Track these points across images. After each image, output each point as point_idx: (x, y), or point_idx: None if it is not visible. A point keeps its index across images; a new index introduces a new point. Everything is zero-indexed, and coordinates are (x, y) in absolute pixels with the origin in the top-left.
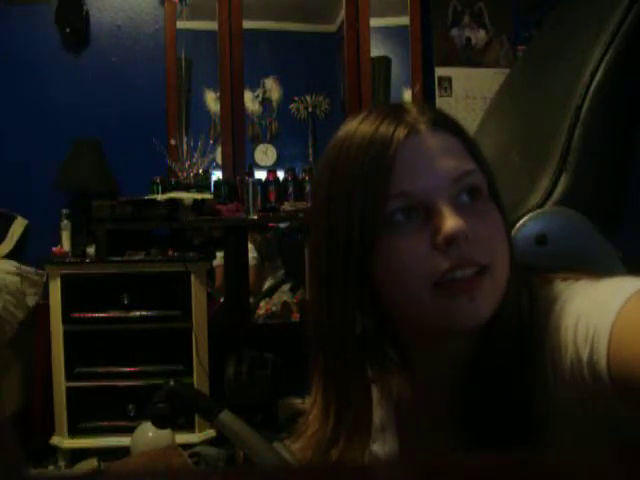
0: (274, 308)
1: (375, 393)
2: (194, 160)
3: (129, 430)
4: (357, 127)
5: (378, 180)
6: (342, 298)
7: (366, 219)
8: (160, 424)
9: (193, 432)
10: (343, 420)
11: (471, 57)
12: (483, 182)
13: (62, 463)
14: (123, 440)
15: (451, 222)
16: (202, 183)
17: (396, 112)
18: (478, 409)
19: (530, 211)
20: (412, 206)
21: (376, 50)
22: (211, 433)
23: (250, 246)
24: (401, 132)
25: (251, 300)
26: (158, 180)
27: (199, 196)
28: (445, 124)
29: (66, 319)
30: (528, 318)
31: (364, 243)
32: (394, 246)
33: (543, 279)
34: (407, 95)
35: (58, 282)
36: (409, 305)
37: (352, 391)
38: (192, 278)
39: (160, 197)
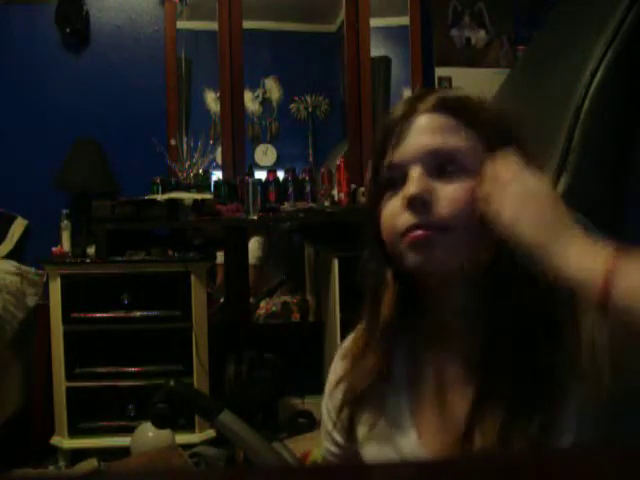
0: (274, 308)
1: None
2: (194, 160)
3: (129, 430)
4: (386, 114)
5: (377, 156)
6: (372, 256)
7: (371, 189)
8: (160, 424)
9: (193, 432)
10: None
11: (471, 57)
12: (465, 157)
13: (62, 463)
14: (123, 440)
15: (412, 188)
16: (202, 183)
17: (412, 98)
18: (493, 370)
19: None
20: (396, 174)
21: (376, 50)
22: (211, 433)
23: (255, 245)
24: (400, 114)
25: (251, 300)
26: (158, 180)
27: (199, 196)
28: (446, 106)
29: (66, 319)
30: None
31: (370, 210)
32: (383, 209)
33: None
34: (407, 95)
35: (58, 282)
36: (396, 258)
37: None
38: (192, 278)
39: (160, 197)
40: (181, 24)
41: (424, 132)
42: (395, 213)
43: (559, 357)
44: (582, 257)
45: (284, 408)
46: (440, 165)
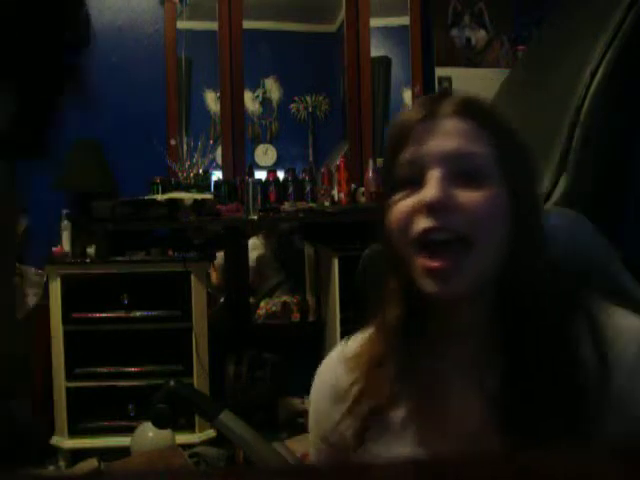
0: (274, 308)
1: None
2: (194, 160)
3: (129, 430)
4: (403, 113)
5: (392, 152)
6: (378, 257)
7: (384, 185)
8: (160, 424)
9: (193, 432)
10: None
11: (471, 57)
12: (487, 165)
13: (62, 463)
14: (123, 440)
15: (430, 191)
16: (202, 183)
17: (432, 98)
18: (504, 381)
19: None
20: (412, 174)
21: (376, 50)
22: (211, 433)
23: (254, 246)
24: (419, 115)
25: (251, 300)
26: (158, 180)
27: (199, 196)
28: (467, 112)
29: (66, 319)
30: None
31: (382, 206)
32: (394, 206)
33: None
34: (407, 95)
35: (58, 282)
36: (404, 261)
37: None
38: (192, 278)
39: (160, 197)
40: (181, 24)
41: (447, 135)
42: (407, 216)
43: (574, 367)
44: None
45: (284, 408)
46: (461, 171)
